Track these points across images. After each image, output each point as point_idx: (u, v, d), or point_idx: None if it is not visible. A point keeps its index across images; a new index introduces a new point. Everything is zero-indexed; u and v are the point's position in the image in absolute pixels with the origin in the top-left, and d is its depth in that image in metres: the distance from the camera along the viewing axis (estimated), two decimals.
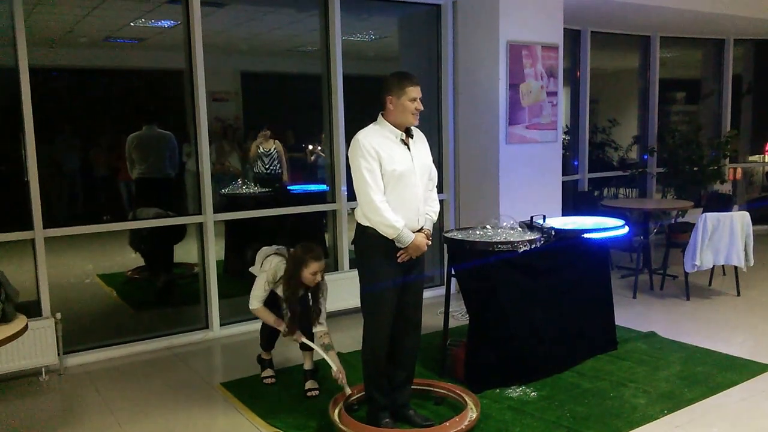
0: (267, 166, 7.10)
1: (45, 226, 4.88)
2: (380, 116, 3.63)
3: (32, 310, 4.78)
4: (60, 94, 5.54)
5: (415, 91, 3.55)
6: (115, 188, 6.07)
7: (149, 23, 5.86)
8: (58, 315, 4.84)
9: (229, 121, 6.23)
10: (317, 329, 4.23)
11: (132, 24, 5.80)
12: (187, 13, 5.33)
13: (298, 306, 4.19)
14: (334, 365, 4.08)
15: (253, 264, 4.48)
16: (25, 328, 3.45)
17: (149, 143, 6.18)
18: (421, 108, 3.59)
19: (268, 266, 4.23)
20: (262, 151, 7.06)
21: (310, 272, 4.09)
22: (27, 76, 4.76)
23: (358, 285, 3.70)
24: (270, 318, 4.30)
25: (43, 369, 4.79)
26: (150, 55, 6.23)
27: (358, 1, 6.15)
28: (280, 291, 4.25)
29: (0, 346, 3.24)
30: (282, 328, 4.26)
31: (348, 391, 4.03)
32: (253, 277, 4.37)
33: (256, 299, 4.27)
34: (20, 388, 4.64)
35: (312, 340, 4.28)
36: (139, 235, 6.05)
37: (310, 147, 7.69)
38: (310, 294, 4.25)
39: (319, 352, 4.19)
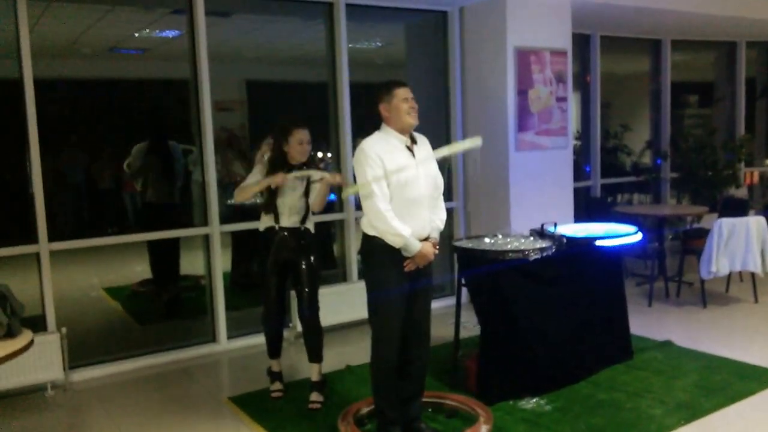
0: None
1: (50, 240, 4.85)
2: (383, 125, 3.60)
3: (37, 324, 4.75)
4: (64, 105, 5.53)
5: (403, 92, 3.54)
6: (119, 200, 6.04)
7: (154, 33, 5.85)
8: (64, 329, 4.79)
9: (234, 130, 6.19)
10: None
11: (137, 34, 5.80)
12: (191, 23, 5.32)
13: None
14: (328, 175, 4.05)
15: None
16: (31, 343, 3.40)
17: (154, 154, 6.14)
18: (416, 105, 3.55)
19: (257, 155, 4.17)
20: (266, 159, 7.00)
21: (296, 141, 4.01)
22: (31, 88, 4.76)
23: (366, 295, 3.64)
24: (253, 186, 4.15)
25: (48, 384, 4.74)
26: (155, 65, 6.21)
27: (364, 8, 6.11)
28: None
29: (5, 361, 3.19)
30: (270, 180, 4.10)
31: (350, 182, 3.88)
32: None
33: (247, 181, 4.19)
34: (26, 404, 4.59)
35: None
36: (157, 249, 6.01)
37: (320, 155, 7.63)
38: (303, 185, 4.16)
39: (311, 174, 4.11)
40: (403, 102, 3.52)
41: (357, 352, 5.06)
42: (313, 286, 4.37)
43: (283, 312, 4.48)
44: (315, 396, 4.34)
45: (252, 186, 4.19)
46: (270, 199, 4.21)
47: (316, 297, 4.39)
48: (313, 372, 4.40)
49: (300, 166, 4.17)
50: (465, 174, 6.62)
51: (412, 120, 3.55)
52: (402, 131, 3.54)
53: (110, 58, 5.93)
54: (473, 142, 3.69)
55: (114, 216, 6.08)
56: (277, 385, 4.54)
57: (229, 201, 6.43)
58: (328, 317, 4.48)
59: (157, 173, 6.09)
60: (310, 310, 4.36)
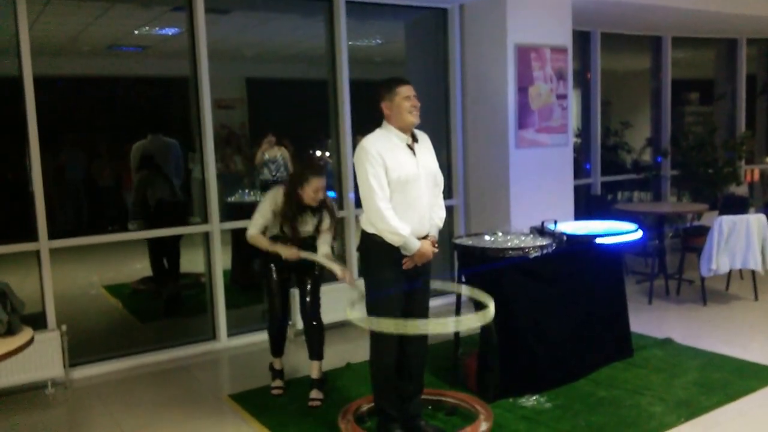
0: (274, 173, 7.06)
1: (50, 237, 4.84)
2: (384, 123, 3.58)
3: (38, 322, 4.74)
4: (64, 103, 5.52)
5: (406, 90, 3.52)
6: (120, 198, 6.03)
7: (153, 31, 5.83)
8: (64, 327, 4.79)
9: (234, 128, 6.18)
10: (322, 250, 4.15)
11: (136, 32, 5.78)
12: (191, 21, 5.30)
13: (297, 220, 4.11)
14: (337, 268, 4.02)
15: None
16: (31, 340, 3.40)
17: (154, 152, 6.13)
18: (418, 104, 3.54)
19: (268, 195, 4.17)
20: (267, 158, 7.02)
21: (311, 189, 4.01)
22: (31, 85, 4.75)
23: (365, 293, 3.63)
24: (265, 242, 4.19)
25: (48, 382, 4.73)
26: (154, 62, 6.20)
27: (364, 5, 6.10)
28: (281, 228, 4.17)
29: (6, 358, 3.19)
30: (278, 248, 4.14)
31: (357, 287, 3.89)
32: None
33: (253, 226, 4.19)
34: (26, 401, 4.59)
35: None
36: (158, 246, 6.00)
37: (319, 153, 7.64)
38: (315, 220, 4.17)
39: (320, 260, 4.11)
40: (405, 100, 3.50)
41: (357, 349, 5.06)
42: (315, 285, 4.39)
43: (287, 311, 4.49)
44: (315, 393, 4.34)
45: (263, 244, 4.21)
46: (293, 232, 4.21)
47: (318, 295, 4.40)
48: (313, 369, 4.40)
49: (312, 209, 4.17)
50: (465, 171, 6.61)
51: (414, 119, 3.54)
52: (403, 129, 3.54)
53: (109, 56, 5.92)
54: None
55: (114, 214, 6.07)
56: (278, 382, 4.54)
57: (228, 198, 6.44)
58: (328, 315, 4.48)
59: (157, 171, 6.08)
60: (312, 308, 4.37)
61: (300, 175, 4.06)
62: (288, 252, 4.14)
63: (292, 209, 4.11)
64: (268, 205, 4.18)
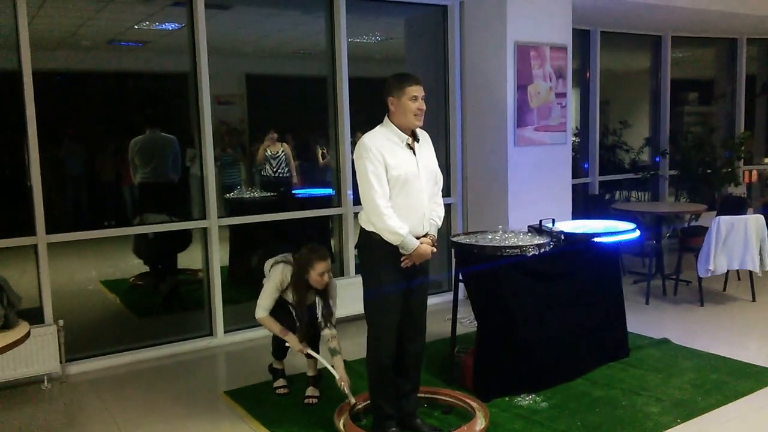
0: (275, 170, 7.05)
1: (48, 232, 4.84)
2: (386, 118, 3.56)
3: (34, 316, 4.73)
4: (63, 97, 5.50)
5: (415, 90, 3.48)
6: (118, 193, 6.02)
7: (153, 26, 5.81)
8: (61, 322, 4.78)
9: (233, 124, 6.17)
10: (326, 332, 4.16)
11: (136, 27, 5.76)
12: (191, 16, 5.28)
13: (306, 314, 4.14)
14: (337, 374, 4.03)
15: (257, 270, 4.43)
16: (27, 335, 3.41)
17: (152, 147, 6.12)
18: (423, 108, 3.51)
19: (275, 274, 4.17)
20: (269, 154, 7.01)
21: (317, 273, 4.04)
22: (30, 80, 4.73)
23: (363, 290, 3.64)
24: (276, 327, 4.22)
25: (45, 377, 4.74)
26: (154, 58, 6.19)
27: (364, 2, 6.09)
28: (289, 297, 4.19)
29: (2, 353, 3.19)
30: (288, 338, 4.19)
31: (352, 400, 3.96)
32: (259, 283, 4.32)
33: (261, 308, 4.20)
34: (22, 396, 4.59)
35: (318, 346, 4.22)
36: (144, 242, 5.99)
37: (320, 150, 7.62)
38: (319, 297, 4.18)
39: (324, 363, 4.13)
40: (411, 101, 3.47)
41: (353, 347, 5.06)
42: None
43: (291, 318, 4.49)
44: (311, 391, 4.35)
45: (274, 329, 4.21)
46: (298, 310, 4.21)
47: None
48: (309, 367, 4.41)
49: (318, 292, 4.17)
50: (463, 169, 6.60)
51: (417, 122, 3.52)
52: (404, 128, 3.52)
53: (109, 51, 5.90)
54: None
55: (113, 209, 6.05)
56: (281, 381, 4.53)
57: (226, 195, 6.43)
58: None
59: (155, 166, 6.07)
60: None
61: (306, 262, 4.07)
62: (297, 346, 4.17)
63: (300, 294, 4.13)
64: (274, 285, 4.18)
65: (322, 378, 4.42)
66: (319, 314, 4.16)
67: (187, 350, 5.41)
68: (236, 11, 6.12)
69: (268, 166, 7.05)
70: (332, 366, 4.07)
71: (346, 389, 3.99)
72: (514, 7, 5.93)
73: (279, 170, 7.06)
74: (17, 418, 4.27)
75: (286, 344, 4.24)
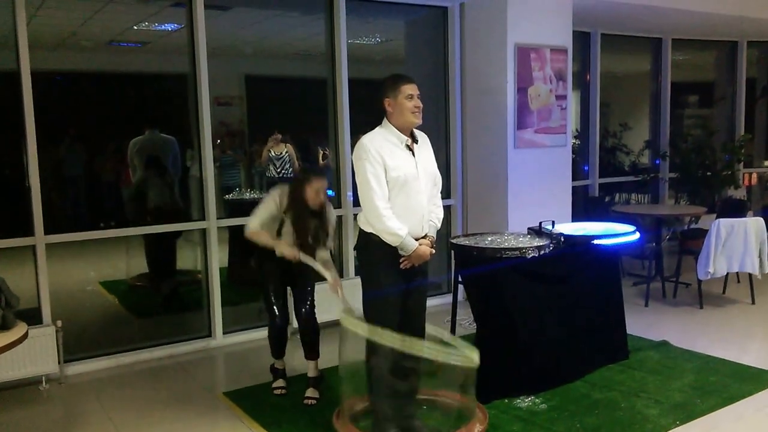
0: (279, 170, 7.05)
1: (46, 232, 4.83)
2: (384, 120, 3.56)
3: (33, 317, 4.71)
4: (62, 98, 5.49)
5: (410, 88, 3.49)
6: (117, 194, 6.01)
7: (153, 26, 5.81)
8: (59, 323, 4.77)
9: (233, 126, 6.16)
10: (320, 253, 4.21)
11: (135, 27, 5.76)
12: (191, 17, 5.28)
13: (305, 225, 4.18)
14: (330, 276, 4.07)
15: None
16: (25, 335, 3.41)
17: (151, 148, 6.11)
18: (420, 105, 3.52)
19: (271, 193, 4.24)
20: (273, 155, 7.02)
21: (312, 190, 4.10)
22: (29, 80, 4.72)
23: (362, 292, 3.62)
24: (265, 237, 4.22)
25: (43, 377, 4.73)
26: (153, 58, 6.18)
27: (364, 3, 6.09)
28: (288, 226, 4.22)
29: (0, 353, 3.18)
30: (279, 245, 4.18)
31: (349, 305, 3.88)
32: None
33: (257, 217, 4.22)
34: (20, 397, 4.58)
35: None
36: (152, 243, 5.97)
37: (320, 149, 7.61)
38: (316, 220, 4.22)
39: (317, 267, 4.14)
40: (407, 99, 3.48)
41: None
42: (310, 284, 4.40)
43: (287, 313, 4.48)
44: (311, 392, 4.34)
45: (264, 239, 4.22)
46: (279, 229, 4.24)
47: (312, 295, 4.40)
48: (309, 368, 4.41)
49: (314, 211, 4.20)
50: (463, 171, 6.60)
51: (416, 119, 3.52)
52: (403, 129, 3.52)
53: (108, 51, 5.89)
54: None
55: (111, 210, 6.04)
56: (280, 382, 4.53)
57: (226, 196, 6.42)
58: (322, 314, 4.47)
59: (154, 167, 6.06)
60: (307, 309, 4.36)
61: (303, 178, 4.16)
62: (290, 252, 4.15)
63: (298, 208, 4.15)
64: (272, 202, 4.21)
65: (323, 379, 4.41)
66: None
67: (186, 351, 5.40)
68: (236, 12, 6.12)
69: (272, 167, 7.05)
70: (324, 269, 4.11)
71: (340, 292, 4.01)
72: (514, 8, 5.93)
73: (283, 171, 7.06)
74: (15, 419, 4.26)
75: (278, 253, 4.20)
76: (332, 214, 4.33)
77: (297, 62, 7.14)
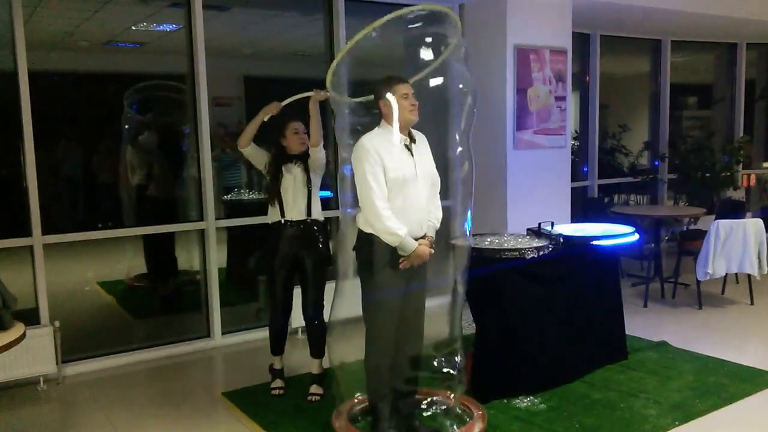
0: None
1: (44, 233, 4.83)
2: (382, 121, 3.58)
3: (30, 317, 4.70)
4: (59, 98, 5.48)
5: (404, 88, 3.52)
6: (115, 194, 6.00)
7: (151, 27, 5.80)
8: (57, 323, 4.77)
9: (231, 126, 6.15)
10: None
11: (133, 28, 5.75)
12: (189, 17, 5.29)
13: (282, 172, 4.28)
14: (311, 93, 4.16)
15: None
16: (23, 336, 3.39)
17: (149, 148, 6.10)
18: (416, 103, 3.53)
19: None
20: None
21: (291, 131, 4.21)
22: (26, 80, 4.72)
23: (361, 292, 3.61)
24: (250, 125, 4.31)
25: (41, 378, 4.72)
26: (151, 59, 6.18)
27: (363, 4, 6.08)
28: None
29: None
30: (263, 112, 4.27)
31: (328, 93, 4.01)
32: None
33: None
34: (18, 398, 4.57)
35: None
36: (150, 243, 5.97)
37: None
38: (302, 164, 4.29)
39: (299, 96, 4.25)
40: (402, 98, 3.49)
41: (351, 349, 5.03)
42: (319, 284, 4.37)
43: (290, 309, 4.47)
44: (315, 388, 4.35)
45: (249, 126, 4.31)
46: (273, 186, 4.27)
47: (322, 295, 4.38)
48: (314, 365, 4.41)
49: (299, 156, 4.25)
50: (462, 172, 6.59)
51: (413, 117, 3.53)
52: (401, 128, 3.52)
53: (106, 52, 5.89)
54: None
55: (110, 210, 6.02)
56: (278, 383, 4.51)
57: (224, 197, 6.40)
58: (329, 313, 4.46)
59: (152, 168, 6.06)
60: (315, 308, 4.35)
61: (279, 126, 4.23)
62: (270, 108, 4.27)
63: (279, 160, 4.27)
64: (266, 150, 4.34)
65: (327, 377, 4.39)
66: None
67: (185, 351, 5.39)
68: (234, 13, 6.11)
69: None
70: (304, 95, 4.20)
71: (321, 92, 4.13)
72: (514, 10, 5.93)
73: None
74: (13, 419, 4.25)
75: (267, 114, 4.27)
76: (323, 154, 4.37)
77: (296, 63, 7.12)
